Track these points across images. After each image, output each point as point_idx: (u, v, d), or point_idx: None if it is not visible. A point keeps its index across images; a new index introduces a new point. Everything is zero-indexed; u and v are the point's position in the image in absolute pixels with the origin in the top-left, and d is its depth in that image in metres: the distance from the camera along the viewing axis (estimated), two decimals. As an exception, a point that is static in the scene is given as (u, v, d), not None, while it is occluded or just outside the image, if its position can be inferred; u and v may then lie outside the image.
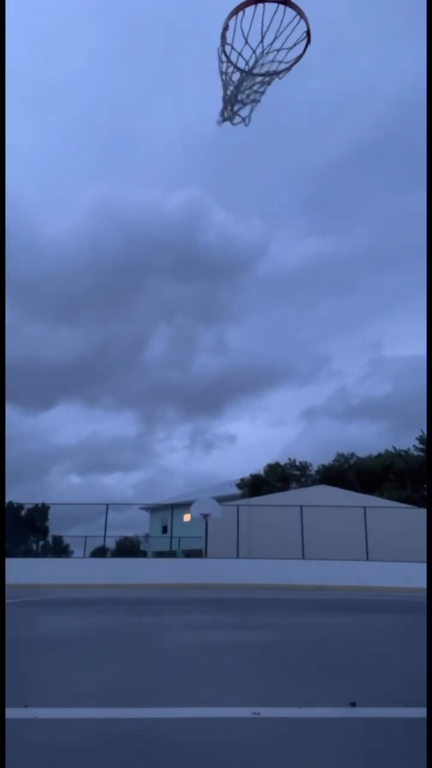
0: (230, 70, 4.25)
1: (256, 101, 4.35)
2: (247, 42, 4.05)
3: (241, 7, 4.04)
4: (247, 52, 4.20)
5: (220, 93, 4.32)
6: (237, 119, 4.36)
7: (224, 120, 4.32)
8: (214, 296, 58.98)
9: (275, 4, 3.96)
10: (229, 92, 4.35)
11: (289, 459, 38.50)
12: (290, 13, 4.02)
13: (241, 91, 4.36)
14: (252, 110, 4.33)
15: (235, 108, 4.35)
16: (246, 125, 4.22)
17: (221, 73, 4.26)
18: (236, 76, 4.33)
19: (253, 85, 4.33)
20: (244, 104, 4.37)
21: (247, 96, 4.36)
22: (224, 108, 4.35)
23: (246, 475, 37.72)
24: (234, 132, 4.39)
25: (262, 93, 4.33)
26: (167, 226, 55.36)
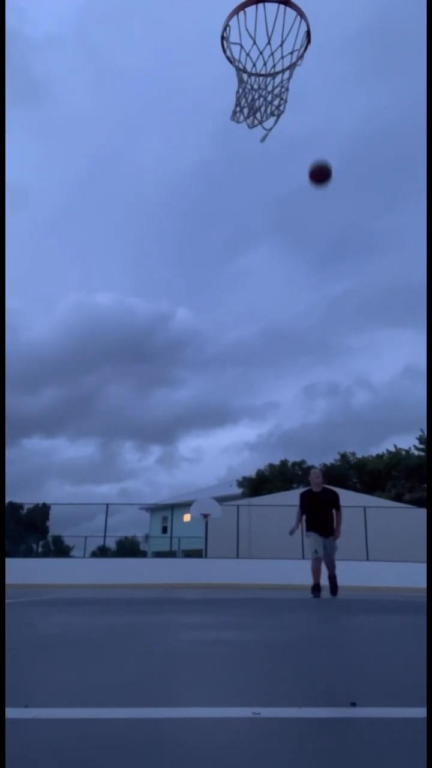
0: (240, 65, 4.26)
1: (275, 113, 4.33)
2: (254, 42, 4.06)
3: (241, 7, 4.04)
4: (247, 52, 4.20)
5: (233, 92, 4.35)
6: (252, 122, 4.35)
7: (238, 121, 4.33)
8: (165, 369, 70.13)
9: (276, 5, 3.96)
10: (240, 92, 4.35)
11: (299, 459, 38.55)
12: (291, 13, 4.02)
13: (251, 93, 4.36)
14: (275, 123, 4.33)
15: (257, 115, 4.35)
16: (261, 142, 4.23)
17: (237, 70, 4.28)
18: (243, 76, 4.34)
19: (263, 89, 4.33)
20: (260, 111, 4.36)
21: (263, 103, 4.35)
22: (235, 108, 4.37)
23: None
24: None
25: (280, 103, 4.32)
26: (132, 330, 66.41)
